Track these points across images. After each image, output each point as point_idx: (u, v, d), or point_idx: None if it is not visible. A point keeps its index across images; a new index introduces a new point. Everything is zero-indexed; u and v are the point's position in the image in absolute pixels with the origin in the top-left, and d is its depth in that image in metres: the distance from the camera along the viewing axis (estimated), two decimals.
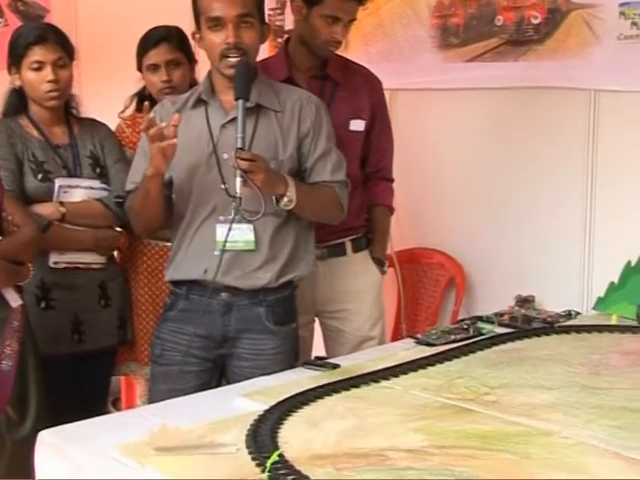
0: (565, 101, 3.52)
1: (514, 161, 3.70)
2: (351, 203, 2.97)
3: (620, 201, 3.39)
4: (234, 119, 2.63)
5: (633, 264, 3.33)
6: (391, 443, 2.09)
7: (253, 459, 1.97)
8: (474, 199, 3.86)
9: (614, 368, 2.68)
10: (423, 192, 4.01)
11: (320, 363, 2.73)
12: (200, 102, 2.77)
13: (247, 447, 2.04)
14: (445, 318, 3.84)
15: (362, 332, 3.26)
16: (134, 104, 3.48)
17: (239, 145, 2.55)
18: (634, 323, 3.18)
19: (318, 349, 3.33)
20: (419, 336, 2.99)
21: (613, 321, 3.20)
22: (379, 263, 3.34)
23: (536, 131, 3.62)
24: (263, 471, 1.86)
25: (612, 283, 3.38)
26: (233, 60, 2.67)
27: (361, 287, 3.28)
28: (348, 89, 3.25)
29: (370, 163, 3.37)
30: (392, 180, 3.46)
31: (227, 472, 1.91)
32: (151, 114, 2.62)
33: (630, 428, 2.19)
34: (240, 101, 2.59)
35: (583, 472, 1.94)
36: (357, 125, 3.26)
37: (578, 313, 3.34)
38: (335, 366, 2.68)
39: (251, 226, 2.70)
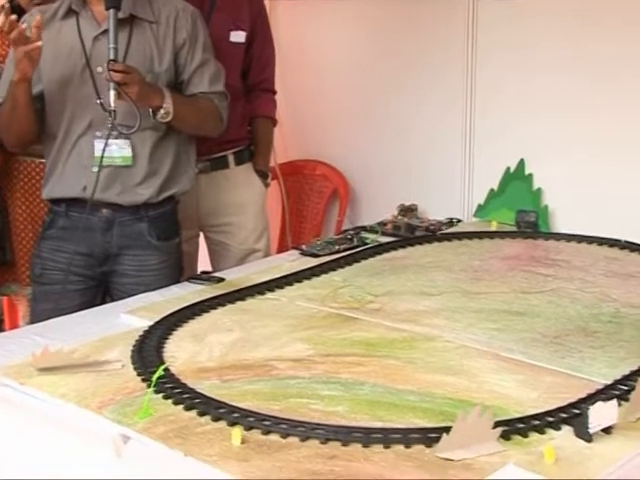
0: (445, 7, 3.52)
1: (396, 70, 3.70)
2: (233, 115, 2.94)
3: (499, 108, 3.43)
4: (107, 30, 2.56)
5: (512, 171, 3.39)
6: (277, 353, 2.11)
7: (139, 374, 1.98)
8: (356, 109, 3.85)
9: (494, 273, 2.75)
10: (306, 103, 3.98)
11: (205, 277, 2.73)
12: (71, 12, 2.67)
13: (133, 363, 2.04)
14: (329, 229, 3.86)
15: (247, 245, 3.26)
16: (3, 15, 3.33)
17: (111, 56, 2.50)
18: (513, 229, 3.26)
19: (203, 264, 3.31)
20: (304, 247, 3.01)
21: (493, 227, 3.27)
22: (262, 175, 3.32)
23: (417, 38, 3.62)
24: (149, 386, 1.86)
25: (492, 190, 3.45)
26: None
27: (244, 200, 3.26)
28: None
29: (252, 75, 3.32)
30: (274, 91, 3.43)
31: (112, 388, 1.91)
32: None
33: (508, 330, 2.27)
34: (111, 10, 2.51)
35: (464, 373, 2.00)
36: (237, 36, 3.20)
37: (460, 220, 3.40)
38: (220, 280, 2.69)
39: (128, 141, 2.65)
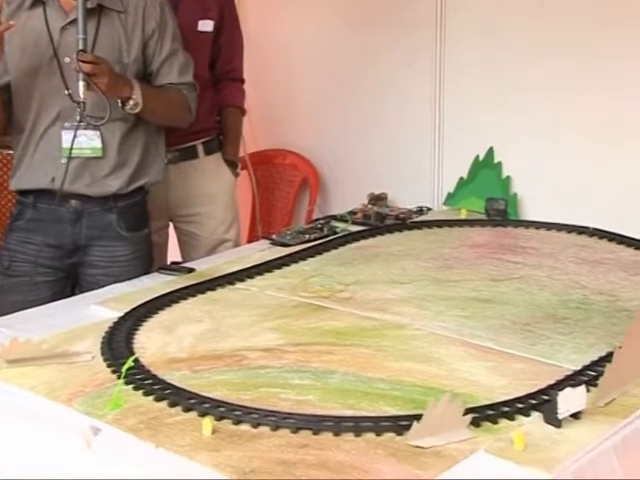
0: None
1: (365, 59, 3.69)
2: (201, 105, 2.93)
3: (468, 96, 3.43)
4: (75, 20, 2.54)
5: (481, 159, 3.40)
6: (247, 343, 2.11)
7: (109, 366, 1.97)
8: (326, 98, 3.85)
9: (463, 261, 2.76)
10: (274, 93, 3.97)
11: (175, 268, 2.72)
12: (38, 2, 2.64)
13: (102, 354, 2.03)
14: (300, 218, 3.86)
15: (217, 235, 3.25)
16: None
17: (81, 47, 2.48)
18: (483, 217, 3.27)
19: (173, 254, 3.30)
20: (274, 237, 3.00)
21: (463, 215, 3.28)
22: (231, 165, 3.31)
23: (385, 27, 3.61)
24: (119, 377, 1.85)
25: (461, 178, 3.45)
26: None
27: (214, 190, 3.25)
28: None
29: (220, 64, 3.31)
30: (243, 81, 3.42)
31: (82, 380, 1.90)
32: None
33: (478, 318, 2.28)
34: (80, 0, 2.49)
35: (434, 361, 2.01)
36: (205, 25, 3.19)
37: (429, 209, 3.40)
38: (190, 270, 2.68)
39: (97, 132, 2.63)
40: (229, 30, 3.29)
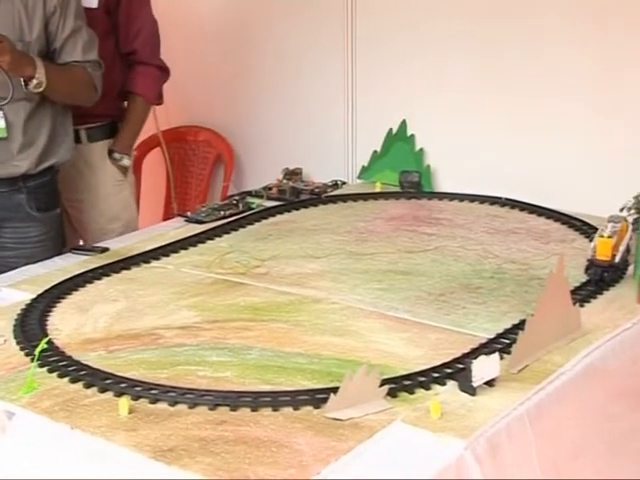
0: None
1: (276, 34, 3.67)
2: None
3: (380, 69, 3.44)
4: None
5: (394, 132, 3.42)
6: (164, 322, 2.10)
7: (22, 349, 1.95)
8: (238, 74, 3.82)
9: (379, 234, 2.77)
10: (187, 69, 3.91)
11: (89, 248, 2.70)
12: None
13: (15, 337, 2.01)
14: (215, 195, 3.84)
15: (98, 224, 3.08)
16: None
17: None
18: (397, 189, 3.28)
19: None
20: (189, 214, 2.98)
21: (377, 189, 3.29)
22: (113, 155, 3.10)
23: (296, 3, 3.60)
24: (33, 360, 1.83)
25: (375, 152, 3.46)
26: None
27: (94, 180, 3.08)
28: None
29: (120, 45, 3.13)
30: (156, 65, 3.24)
31: None
32: None
33: (394, 290, 2.30)
34: None
35: (351, 334, 2.03)
36: (88, 1, 2.95)
37: (344, 183, 3.41)
38: (104, 250, 2.65)
39: (1, 112, 2.58)
40: (125, 9, 3.10)
